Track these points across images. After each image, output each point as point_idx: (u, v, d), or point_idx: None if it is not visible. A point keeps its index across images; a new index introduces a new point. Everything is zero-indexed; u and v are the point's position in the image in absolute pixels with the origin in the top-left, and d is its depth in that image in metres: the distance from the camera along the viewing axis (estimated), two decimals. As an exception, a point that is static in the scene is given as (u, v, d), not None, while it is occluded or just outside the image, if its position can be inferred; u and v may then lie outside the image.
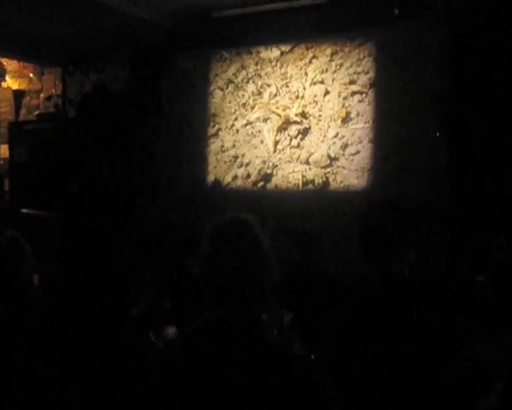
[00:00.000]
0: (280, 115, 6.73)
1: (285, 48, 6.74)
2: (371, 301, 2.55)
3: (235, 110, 7.02)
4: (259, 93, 6.87)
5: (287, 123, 6.69)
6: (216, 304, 2.01)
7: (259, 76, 6.89)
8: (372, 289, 2.59)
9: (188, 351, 2.05)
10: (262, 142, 6.84)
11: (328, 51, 6.50)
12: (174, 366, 2.07)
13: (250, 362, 1.93)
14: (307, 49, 6.62)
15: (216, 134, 7.15)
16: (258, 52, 6.90)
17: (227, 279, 1.96)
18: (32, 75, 9.10)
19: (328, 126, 6.44)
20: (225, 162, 7.08)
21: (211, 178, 7.19)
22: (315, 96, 6.54)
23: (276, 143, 6.74)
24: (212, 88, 7.21)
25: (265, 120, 6.82)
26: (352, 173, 6.29)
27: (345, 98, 6.37)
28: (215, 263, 2.00)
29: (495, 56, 5.47)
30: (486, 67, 5.50)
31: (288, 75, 6.71)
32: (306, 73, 6.61)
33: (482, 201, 5.36)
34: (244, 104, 6.97)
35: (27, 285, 2.71)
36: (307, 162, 6.56)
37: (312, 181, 6.53)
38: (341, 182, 6.36)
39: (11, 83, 9.25)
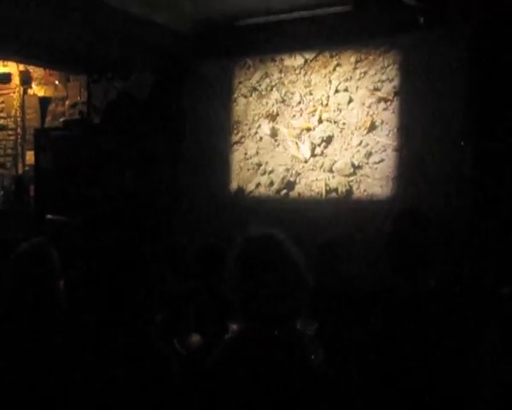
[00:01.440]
0: (303, 123, 6.72)
1: (309, 55, 6.74)
2: (397, 312, 2.53)
3: (259, 118, 7.03)
4: (283, 101, 6.87)
5: (310, 131, 6.68)
6: (250, 318, 2.01)
7: (283, 84, 6.89)
8: (398, 299, 2.57)
9: (226, 362, 2.04)
10: (285, 150, 6.83)
11: (353, 59, 6.48)
12: (209, 375, 2.07)
13: (287, 375, 1.93)
14: (331, 56, 6.61)
15: (239, 141, 7.16)
16: (282, 60, 6.90)
17: (261, 297, 1.95)
18: (57, 82, 9.19)
19: (352, 134, 6.42)
20: (248, 170, 7.09)
21: (234, 185, 7.20)
22: (339, 104, 6.52)
23: (300, 151, 6.73)
24: (235, 95, 7.22)
25: (289, 128, 6.82)
26: (375, 182, 6.26)
27: (369, 106, 6.35)
28: (248, 282, 1.99)
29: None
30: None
31: (312, 83, 6.70)
32: (330, 81, 6.59)
33: (507, 211, 5.31)
34: (268, 112, 6.97)
35: (54, 291, 2.73)
36: (331, 170, 6.54)
37: (336, 189, 6.51)
38: (365, 191, 6.33)
39: (37, 90, 9.36)
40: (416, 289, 2.51)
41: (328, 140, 6.56)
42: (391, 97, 6.23)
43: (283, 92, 6.88)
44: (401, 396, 2.37)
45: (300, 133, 6.73)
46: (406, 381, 2.37)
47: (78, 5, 5.94)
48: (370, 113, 6.34)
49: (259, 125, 7.03)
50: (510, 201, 5.37)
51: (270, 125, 6.94)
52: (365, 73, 6.41)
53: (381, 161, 6.24)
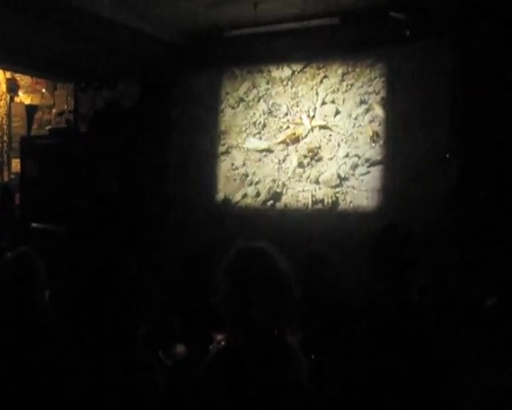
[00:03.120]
0: (290, 134, 6.74)
1: (296, 67, 6.78)
2: (380, 323, 2.54)
3: (246, 129, 7.05)
4: (270, 112, 6.89)
5: (297, 142, 6.70)
6: (239, 329, 2.02)
7: (270, 95, 6.91)
8: (381, 310, 2.58)
9: (214, 373, 2.04)
10: (272, 161, 6.85)
11: (340, 71, 6.52)
12: (196, 387, 2.07)
13: (276, 386, 1.93)
14: (318, 68, 6.65)
15: (226, 152, 7.17)
16: (270, 71, 6.94)
17: (251, 308, 1.96)
18: (44, 91, 9.18)
19: (339, 146, 6.45)
20: (235, 180, 7.09)
21: (221, 195, 7.20)
22: (325, 115, 6.55)
23: (286, 162, 6.75)
24: (223, 106, 7.24)
25: (276, 139, 6.84)
26: (361, 194, 6.29)
27: (355, 118, 6.38)
28: (237, 294, 2.00)
29: (507, 78, 5.48)
30: (498, 89, 5.50)
31: (299, 94, 6.73)
32: (317, 93, 6.63)
33: (494, 223, 5.34)
34: (255, 123, 6.99)
35: (39, 301, 2.72)
36: (317, 182, 6.56)
37: (322, 201, 6.53)
38: (351, 202, 6.35)
39: (24, 98, 9.34)
40: (399, 302, 2.53)
41: (315, 151, 6.57)
42: (377, 110, 6.26)
43: (270, 103, 6.91)
44: (386, 405, 2.38)
45: (287, 144, 6.75)
46: (391, 390, 2.38)
47: (65, 14, 5.93)
48: (357, 125, 6.37)
49: (246, 136, 7.04)
50: (495, 213, 5.41)
51: (257, 136, 6.96)
52: (352, 85, 6.45)
53: (367, 172, 6.28)
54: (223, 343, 2.18)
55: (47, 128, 8.73)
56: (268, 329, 2.00)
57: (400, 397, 2.36)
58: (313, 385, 2.13)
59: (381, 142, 6.23)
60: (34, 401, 2.32)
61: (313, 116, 6.62)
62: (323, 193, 6.52)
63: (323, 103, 6.58)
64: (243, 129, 7.07)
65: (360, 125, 6.35)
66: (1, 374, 2.48)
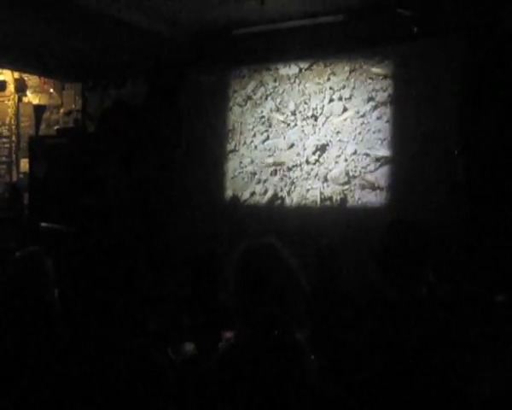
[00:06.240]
0: (297, 132, 6.74)
1: (304, 65, 6.76)
2: (388, 320, 2.53)
3: (254, 126, 7.04)
4: (278, 110, 6.88)
5: (304, 140, 6.69)
6: (249, 324, 2.02)
7: (278, 93, 6.91)
8: (389, 307, 2.58)
9: (225, 368, 2.05)
10: (280, 158, 6.84)
11: (347, 68, 6.50)
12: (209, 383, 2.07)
13: (285, 381, 1.93)
14: (326, 66, 6.64)
15: (234, 150, 7.17)
16: (277, 69, 6.93)
17: (261, 304, 1.96)
18: (52, 90, 9.20)
19: (347, 143, 6.43)
20: (243, 179, 7.09)
21: (229, 193, 7.20)
22: (333, 113, 6.54)
23: (294, 159, 6.75)
24: (231, 104, 7.24)
25: (284, 137, 6.83)
26: (370, 191, 6.27)
27: (363, 115, 6.37)
28: (247, 289, 2.00)
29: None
30: (505, 86, 5.48)
31: (307, 92, 6.72)
32: (325, 90, 6.62)
33: (500, 220, 5.33)
34: (263, 121, 6.98)
35: (48, 300, 2.73)
36: (325, 179, 6.55)
37: (330, 198, 6.51)
38: (359, 199, 6.34)
39: (32, 98, 9.37)
40: (408, 298, 2.52)
41: (323, 149, 6.57)
42: (385, 107, 6.24)
43: (278, 101, 6.90)
44: (393, 401, 2.38)
45: (294, 142, 6.75)
46: (400, 386, 2.38)
47: (73, 14, 5.95)
48: (365, 122, 6.35)
49: (254, 134, 7.04)
50: (503, 209, 5.39)
51: (265, 133, 6.96)
52: (360, 82, 6.43)
53: (376, 169, 6.26)
54: (232, 341, 2.18)
55: (55, 128, 8.76)
56: (277, 326, 2.00)
57: (408, 392, 2.36)
58: (322, 383, 2.13)
59: (389, 139, 6.22)
60: (45, 397, 2.33)
61: (321, 113, 6.61)
62: (332, 190, 6.51)
63: (331, 100, 6.57)
64: (251, 127, 7.06)
65: (368, 123, 6.34)
66: (12, 371, 2.49)
